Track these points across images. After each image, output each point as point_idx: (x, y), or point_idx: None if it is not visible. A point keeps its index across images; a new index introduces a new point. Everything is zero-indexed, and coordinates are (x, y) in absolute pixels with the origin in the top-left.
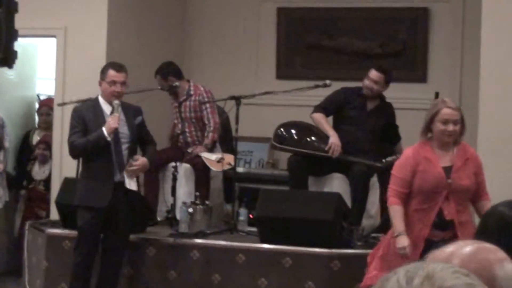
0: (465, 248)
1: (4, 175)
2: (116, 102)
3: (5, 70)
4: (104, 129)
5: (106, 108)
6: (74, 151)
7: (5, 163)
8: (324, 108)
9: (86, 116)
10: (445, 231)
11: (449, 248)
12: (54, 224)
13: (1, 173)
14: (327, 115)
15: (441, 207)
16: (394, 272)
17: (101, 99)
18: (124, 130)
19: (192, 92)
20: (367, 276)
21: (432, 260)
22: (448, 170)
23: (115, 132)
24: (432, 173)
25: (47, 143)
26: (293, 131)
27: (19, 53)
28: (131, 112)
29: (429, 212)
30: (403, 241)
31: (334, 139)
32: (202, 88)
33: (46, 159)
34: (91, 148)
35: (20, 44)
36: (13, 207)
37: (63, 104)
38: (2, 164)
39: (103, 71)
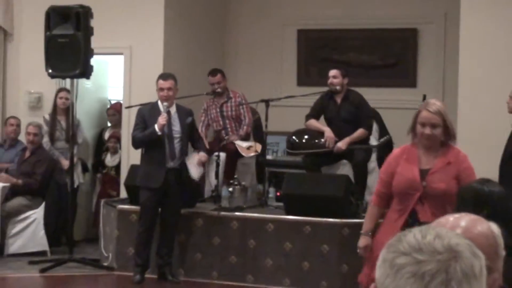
0: (461, 221)
1: (79, 163)
2: (165, 104)
3: (84, 80)
4: (156, 126)
5: (162, 109)
6: (135, 143)
7: (78, 155)
8: (312, 115)
9: (146, 115)
10: None
11: (449, 222)
12: (123, 201)
13: (76, 163)
14: (317, 119)
15: (416, 209)
16: (409, 230)
17: (159, 103)
18: (176, 127)
19: (231, 96)
20: (362, 274)
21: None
22: (425, 172)
23: (168, 128)
24: (406, 175)
25: (116, 137)
26: (304, 136)
27: (95, 67)
28: (183, 113)
29: (403, 214)
30: (362, 242)
31: (328, 133)
32: (238, 93)
33: (116, 150)
34: (147, 141)
35: (95, 60)
36: (91, 188)
37: (129, 107)
38: (76, 157)
39: (156, 81)
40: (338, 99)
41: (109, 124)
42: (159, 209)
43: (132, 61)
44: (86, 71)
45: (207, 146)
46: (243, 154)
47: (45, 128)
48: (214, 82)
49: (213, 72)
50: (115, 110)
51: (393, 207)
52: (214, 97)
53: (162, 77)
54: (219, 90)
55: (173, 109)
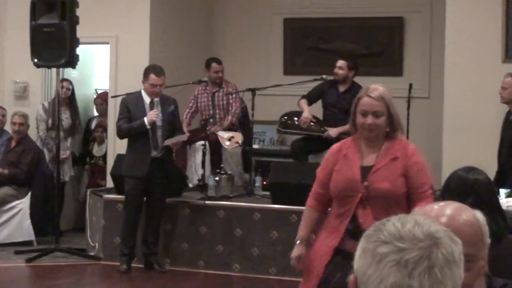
0: (446, 209)
1: (70, 156)
2: (156, 99)
3: (70, 70)
4: (145, 119)
5: (146, 99)
6: (120, 133)
7: (72, 148)
8: (307, 96)
9: (130, 105)
10: None
11: (433, 210)
12: (109, 191)
13: (68, 156)
14: (310, 102)
15: (357, 213)
16: (387, 220)
17: (143, 93)
18: (159, 117)
19: (223, 85)
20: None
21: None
22: (367, 170)
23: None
24: (345, 173)
25: (103, 127)
26: (294, 118)
27: (80, 56)
28: (166, 102)
29: (344, 219)
30: (295, 251)
31: (305, 113)
32: (231, 83)
33: (102, 140)
34: (134, 132)
35: (81, 50)
36: (79, 179)
37: (115, 96)
38: (69, 150)
39: (146, 74)
40: (341, 88)
41: (95, 114)
42: (144, 199)
43: (118, 50)
44: (72, 61)
45: (187, 135)
46: (225, 146)
47: (44, 116)
48: (219, 70)
49: (217, 61)
50: (102, 100)
51: (333, 211)
52: (207, 85)
53: (155, 72)
54: (205, 79)
55: (156, 99)
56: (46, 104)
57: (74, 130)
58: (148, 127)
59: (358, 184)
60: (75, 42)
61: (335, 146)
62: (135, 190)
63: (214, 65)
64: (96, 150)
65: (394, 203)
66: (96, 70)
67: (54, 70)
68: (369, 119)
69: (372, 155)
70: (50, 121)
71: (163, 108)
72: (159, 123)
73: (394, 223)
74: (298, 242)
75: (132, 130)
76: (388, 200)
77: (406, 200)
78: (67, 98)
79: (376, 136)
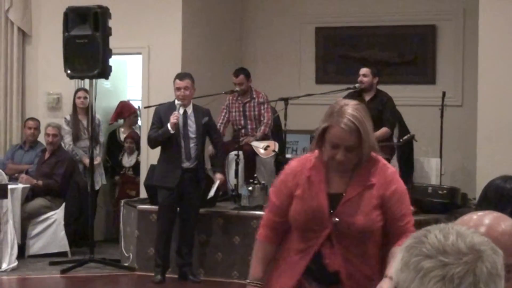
0: (485, 219)
1: (102, 164)
2: (178, 102)
3: (102, 81)
4: (168, 124)
5: (180, 110)
6: (149, 142)
7: (102, 155)
8: None
9: (162, 115)
10: (329, 285)
11: (472, 220)
12: (143, 202)
13: (99, 163)
14: None
15: (322, 252)
16: (427, 230)
17: (176, 102)
18: (192, 128)
19: (254, 95)
20: None
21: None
22: (335, 199)
23: (184, 128)
24: (309, 202)
25: (132, 138)
26: None
27: (113, 67)
28: (200, 113)
29: (305, 255)
30: None
31: None
32: (262, 93)
33: (132, 150)
34: (160, 140)
35: (114, 61)
36: (109, 188)
37: (148, 107)
38: (100, 157)
39: (173, 81)
40: (367, 97)
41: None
42: (177, 209)
43: (150, 60)
44: (104, 72)
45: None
46: (261, 155)
47: (67, 128)
48: (236, 82)
49: (236, 73)
50: (129, 112)
51: (291, 245)
52: (238, 95)
53: (179, 76)
54: (237, 89)
55: (189, 109)
56: (68, 117)
57: (97, 138)
58: (172, 131)
59: (325, 218)
60: (108, 53)
61: (294, 164)
62: (168, 201)
63: (233, 77)
64: (126, 161)
65: (368, 240)
66: (129, 80)
67: (87, 81)
68: (340, 155)
69: (342, 180)
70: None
71: (196, 118)
72: (192, 134)
73: (437, 235)
74: (251, 282)
75: (159, 138)
76: (361, 237)
77: (382, 235)
78: (86, 108)
79: (345, 168)
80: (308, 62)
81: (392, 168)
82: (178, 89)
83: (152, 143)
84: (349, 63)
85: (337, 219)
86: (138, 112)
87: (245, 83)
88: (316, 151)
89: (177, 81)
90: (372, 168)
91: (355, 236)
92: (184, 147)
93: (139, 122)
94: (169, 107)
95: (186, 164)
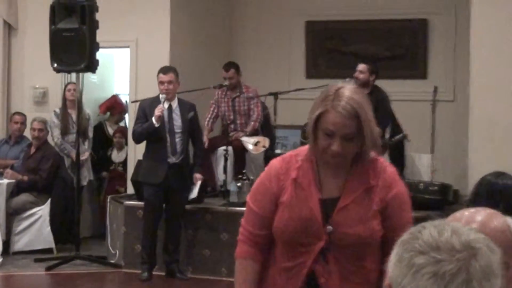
0: (477, 215)
1: (90, 159)
2: (162, 96)
3: (89, 74)
4: (153, 118)
5: (165, 104)
6: (134, 137)
7: (90, 150)
8: None
9: (147, 109)
10: None
11: (464, 217)
12: (130, 198)
13: (86, 158)
14: None
15: (314, 269)
16: (422, 226)
17: (161, 97)
18: (178, 122)
19: (243, 90)
20: None
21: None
22: (329, 205)
23: (169, 123)
24: (298, 209)
25: (122, 132)
26: None
27: (100, 61)
28: (186, 107)
29: (294, 275)
30: None
31: None
32: (252, 88)
33: (122, 145)
34: (145, 134)
35: (101, 54)
36: (96, 184)
37: (135, 101)
38: (88, 152)
39: (157, 75)
40: None
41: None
42: (164, 205)
43: (138, 54)
44: (91, 65)
45: (206, 142)
46: (251, 151)
47: (56, 121)
48: (226, 77)
49: (226, 67)
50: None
51: (276, 263)
52: (227, 90)
53: (163, 70)
54: (226, 83)
55: (174, 103)
56: (57, 110)
57: (86, 133)
58: (156, 124)
59: (318, 228)
60: (95, 47)
61: (276, 164)
62: (153, 197)
63: (223, 71)
64: (116, 156)
65: (366, 253)
66: (116, 74)
67: (73, 75)
68: (336, 145)
69: (335, 182)
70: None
71: (182, 113)
72: (178, 129)
73: (431, 232)
74: None
75: (144, 132)
76: (359, 250)
77: (380, 247)
78: (73, 101)
79: (342, 163)
80: (298, 56)
81: (392, 167)
82: (161, 83)
83: (137, 138)
84: (339, 57)
85: (331, 228)
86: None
87: (235, 77)
88: (303, 148)
89: (161, 75)
90: (370, 169)
91: (353, 250)
92: (169, 142)
93: (126, 119)
94: (154, 101)
95: (171, 159)
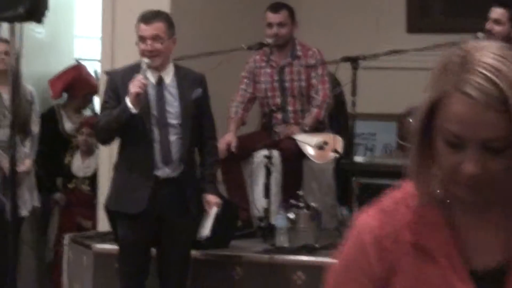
0: None
1: (33, 172)
2: (145, 61)
3: (33, 26)
4: (127, 98)
5: (149, 75)
6: (99, 134)
7: (34, 156)
8: None
9: (120, 86)
10: None
11: None
12: (102, 238)
13: (28, 169)
14: None
15: None
16: None
17: (144, 65)
18: (173, 108)
19: (299, 53)
20: None
21: None
22: (491, 282)
23: (158, 108)
24: None
25: (90, 126)
26: None
27: (52, 2)
28: (188, 82)
29: None
30: None
31: None
32: (314, 49)
33: (90, 149)
34: (115, 127)
35: None
36: (45, 216)
37: (110, 72)
38: (30, 159)
39: (136, 26)
40: None
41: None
42: (153, 250)
43: None
44: (36, 9)
45: (233, 144)
46: (312, 158)
47: None
48: (274, 22)
49: (274, 8)
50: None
51: None
52: (270, 52)
53: (144, 18)
54: (269, 40)
55: (168, 75)
56: None
57: (27, 126)
58: (134, 110)
59: None
60: None
61: (372, 221)
62: (133, 236)
63: (267, 14)
64: (79, 167)
65: None
66: (78, 26)
67: (4, 26)
68: (470, 162)
69: (491, 237)
70: None
71: (180, 90)
72: (173, 118)
73: None
74: None
75: (112, 124)
76: None
77: None
78: (5, 72)
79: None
80: None
81: None
82: (142, 39)
83: (101, 134)
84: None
85: None
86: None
87: (288, 26)
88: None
89: (142, 25)
90: None
91: None
92: (160, 142)
93: (96, 104)
94: (130, 72)
95: (163, 172)
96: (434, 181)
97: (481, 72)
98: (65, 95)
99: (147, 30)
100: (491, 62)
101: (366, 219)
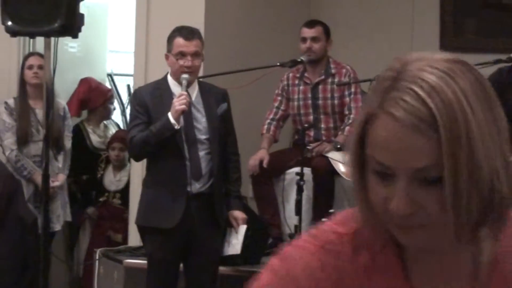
0: None
1: (66, 186)
2: (185, 76)
3: (67, 41)
4: (169, 114)
5: (176, 90)
6: (134, 149)
7: (67, 171)
8: None
9: (149, 102)
10: None
11: None
12: (133, 252)
13: (62, 184)
14: None
15: None
16: None
17: (170, 79)
18: (201, 124)
19: (333, 71)
20: None
21: None
22: None
23: (187, 125)
24: None
25: (122, 142)
26: None
27: (86, 17)
28: (213, 98)
29: None
30: None
31: None
32: (348, 67)
33: (122, 163)
34: (154, 144)
35: (86, 4)
36: (76, 230)
37: (138, 89)
38: (63, 174)
39: (169, 40)
40: None
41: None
42: (182, 266)
43: (150, 6)
44: (71, 24)
45: (265, 161)
46: (344, 176)
47: (8, 121)
48: (308, 36)
49: (310, 24)
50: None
51: None
52: (303, 70)
53: (183, 33)
54: (303, 58)
55: (194, 91)
56: (10, 101)
57: (60, 141)
58: (177, 126)
59: None
60: None
61: (308, 259)
62: (163, 252)
63: (302, 30)
64: (111, 181)
65: None
66: (111, 40)
67: (40, 40)
68: (400, 200)
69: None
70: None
71: (207, 105)
72: (202, 134)
73: None
74: None
75: (152, 140)
76: None
77: None
78: (41, 86)
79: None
80: (427, 14)
81: None
82: (181, 54)
83: (137, 149)
84: (500, 15)
85: None
86: (117, 97)
87: (321, 42)
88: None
89: (180, 41)
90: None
91: None
92: (189, 158)
93: (116, 112)
94: (159, 88)
95: (193, 187)
96: (372, 215)
97: (411, 89)
98: (85, 112)
99: (189, 46)
100: (427, 78)
101: (302, 254)
